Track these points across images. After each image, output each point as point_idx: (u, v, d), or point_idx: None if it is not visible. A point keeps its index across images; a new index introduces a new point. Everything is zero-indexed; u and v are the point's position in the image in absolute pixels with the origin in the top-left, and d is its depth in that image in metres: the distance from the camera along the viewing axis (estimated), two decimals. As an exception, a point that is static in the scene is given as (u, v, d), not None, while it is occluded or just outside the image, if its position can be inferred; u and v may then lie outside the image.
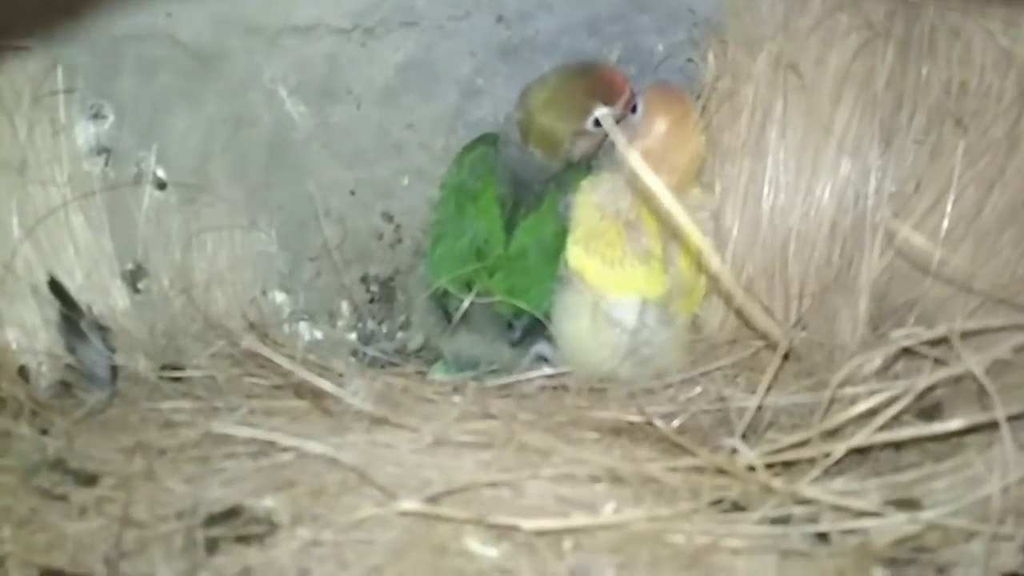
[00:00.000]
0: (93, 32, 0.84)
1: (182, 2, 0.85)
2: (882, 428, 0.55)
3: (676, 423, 0.69)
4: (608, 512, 0.54)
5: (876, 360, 0.62)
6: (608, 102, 0.85)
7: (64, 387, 0.78)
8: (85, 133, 0.87)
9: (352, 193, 0.98)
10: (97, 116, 0.87)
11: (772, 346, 0.67)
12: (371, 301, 1.00)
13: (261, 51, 0.90)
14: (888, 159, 0.80)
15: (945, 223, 0.76)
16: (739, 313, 0.79)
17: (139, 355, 0.82)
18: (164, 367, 0.81)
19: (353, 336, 1.00)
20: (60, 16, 0.80)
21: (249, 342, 0.70)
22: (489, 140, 0.91)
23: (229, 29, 0.88)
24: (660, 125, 0.81)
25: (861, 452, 0.59)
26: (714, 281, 0.80)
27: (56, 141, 0.83)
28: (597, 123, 0.85)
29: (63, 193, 0.83)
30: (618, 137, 0.76)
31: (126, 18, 0.85)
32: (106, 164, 0.88)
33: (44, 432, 0.70)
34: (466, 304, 0.82)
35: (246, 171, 0.94)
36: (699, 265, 0.80)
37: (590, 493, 0.58)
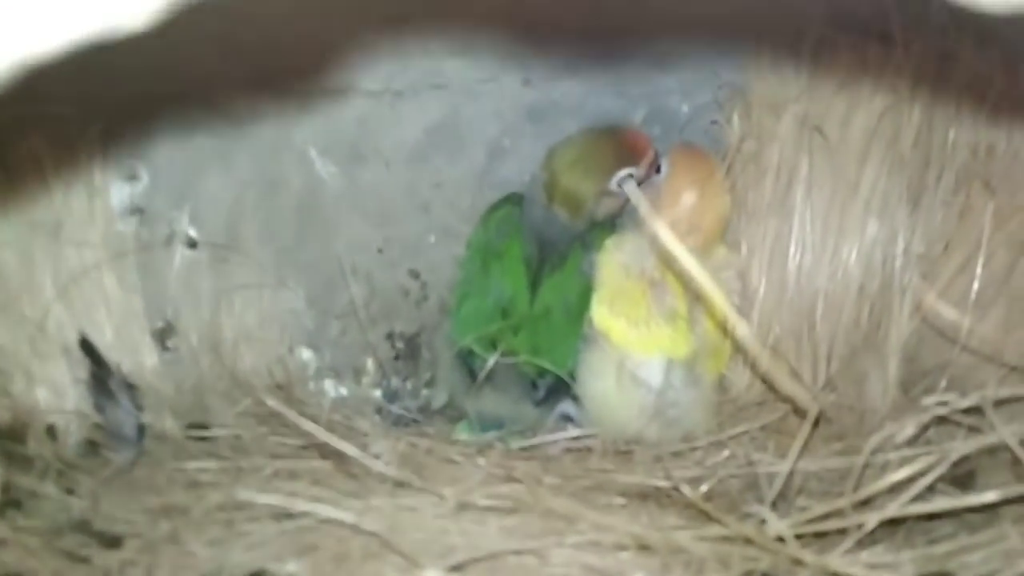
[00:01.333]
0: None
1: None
2: (915, 498, 0.54)
3: (704, 488, 0.67)
4: (635, 584, 0.53)
5: (908, 428, 0.61)
6: (632, 163, 0.86)
7: (91, 446, 0.78)
8: (120, 194, 0.88)
9: (379, 251, 0.99)
10: (132, 177, 0.88)
11: (801, 409, 0.66)
12: (396, 358, 1.01)
13: (292, 113, 0.92)
14: (916, 220, 0.79)
15: (975, 285, 0.75)
16: (766, 379, 0.78)
17: (166, 413, 0.82)
18: (191, 426, 0.81)
19: (378, 393, 1.00)
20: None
21: (273, 403, 0.70)
22: (515, 200, 0.92)
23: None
24: (684, 185, 0.82)
25: (893, 521, 0.57)
26: (741, 344, 0.80)
27: (91, 202, 0.84)
28: (621, 184, 0.86)
29: (97, 253, 0.84)
30: (640, 200, 0.76)
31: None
32: (139, 224, 0.89)
33: (70, 492, 0.70)
34: (491, 363, 0.82)
35: (276, 231, 0.95)
36: (725, 325, 0.79)
37: (616, 562, 0.57)
